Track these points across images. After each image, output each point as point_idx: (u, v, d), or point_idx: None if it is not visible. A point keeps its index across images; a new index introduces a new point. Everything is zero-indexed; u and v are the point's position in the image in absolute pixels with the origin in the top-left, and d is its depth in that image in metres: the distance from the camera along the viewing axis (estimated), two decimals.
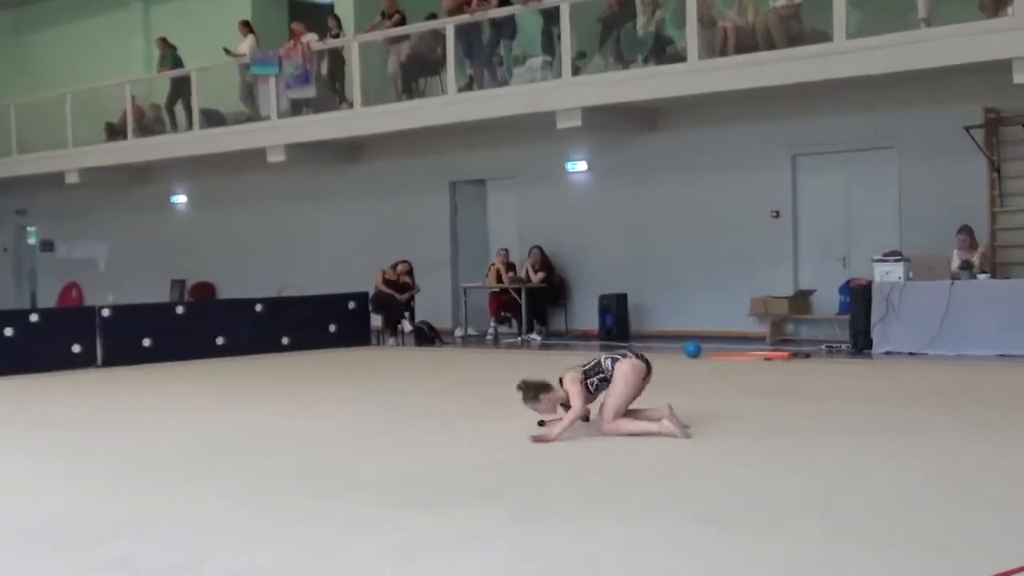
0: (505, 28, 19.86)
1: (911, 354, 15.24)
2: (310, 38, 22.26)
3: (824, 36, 16.56)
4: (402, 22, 21.48)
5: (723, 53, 17.42)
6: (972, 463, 7.85)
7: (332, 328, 19.18)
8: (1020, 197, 16.61)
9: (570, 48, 18.85)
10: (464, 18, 20.09)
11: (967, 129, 16.25)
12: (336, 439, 9.64)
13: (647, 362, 9.28)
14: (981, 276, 15.36)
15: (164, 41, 25.59)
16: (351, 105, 21.73)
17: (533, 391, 9.21)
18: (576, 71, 18.91)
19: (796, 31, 16.96)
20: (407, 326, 19.99)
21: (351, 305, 19.55)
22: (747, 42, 17.25)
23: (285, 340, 18.59)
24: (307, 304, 19.57)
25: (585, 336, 19.97)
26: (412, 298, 20.38)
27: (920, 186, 17.28)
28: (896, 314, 15.42)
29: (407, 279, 20.41)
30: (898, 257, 15.92)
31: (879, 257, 16.04)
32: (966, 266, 15.37)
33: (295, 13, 25.17)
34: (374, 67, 21.63)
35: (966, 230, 15.79)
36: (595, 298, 19.58)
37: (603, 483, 7.52)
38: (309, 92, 22.30)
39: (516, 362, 17.21)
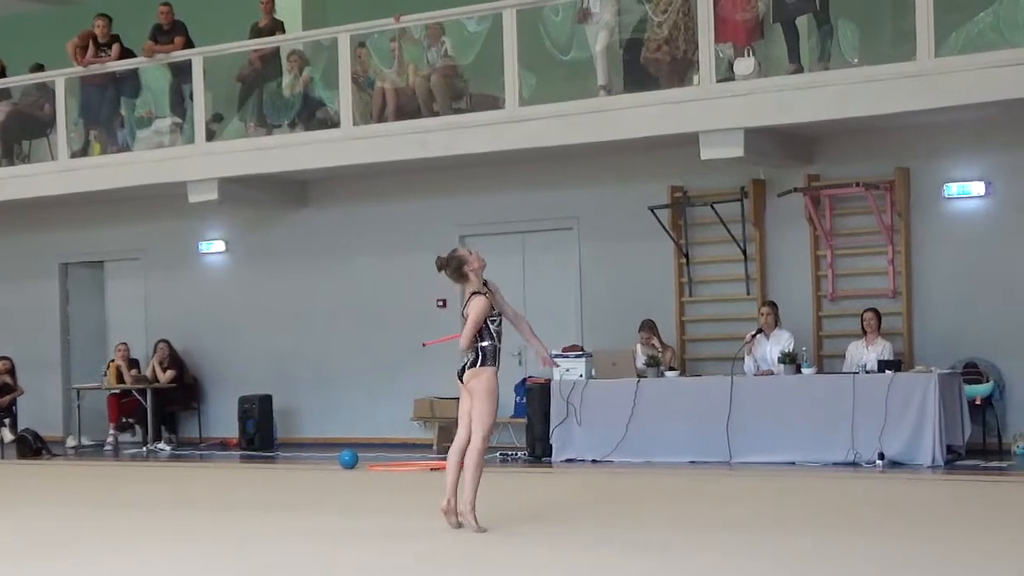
0: (127, 84, 19.45)
1: (595, 461, 15.50)
2: None
3: (495, 102, 16.85)
4: (1, 74, 20.79)
5: (382, 119, 17.50)
6: None
7: None
8: (708, 285, 17.23)
9: (204, 109, 18.60)
10: (77, 71, 19.58)
11: (652, 209, 16.79)
12: None
13: None
14: (669, 374, 15.82)
15: None
16: None
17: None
18: (211, 136, 18.67)
19: (460, 90, 17.23)
20: (7, 435, 19.45)
21: None
22: (408, 107, 17.39)
23: None
24: None
25: (224, 444, 19.59)
26: (14, 402, 19.86)
27: (603, 272, 17.71)
28: (578, 417, 15.69)
29: (7, 379, 19.89)
30: (579, 352, 16.24)
31: (558, 352, 16.29)
32: (653, 362, 15.80)
33: None
34: None
35: (648, 326, 16.26)
36: (235, 400, 19.22)
37: None
38: None
39: (140, 477, 16.72)
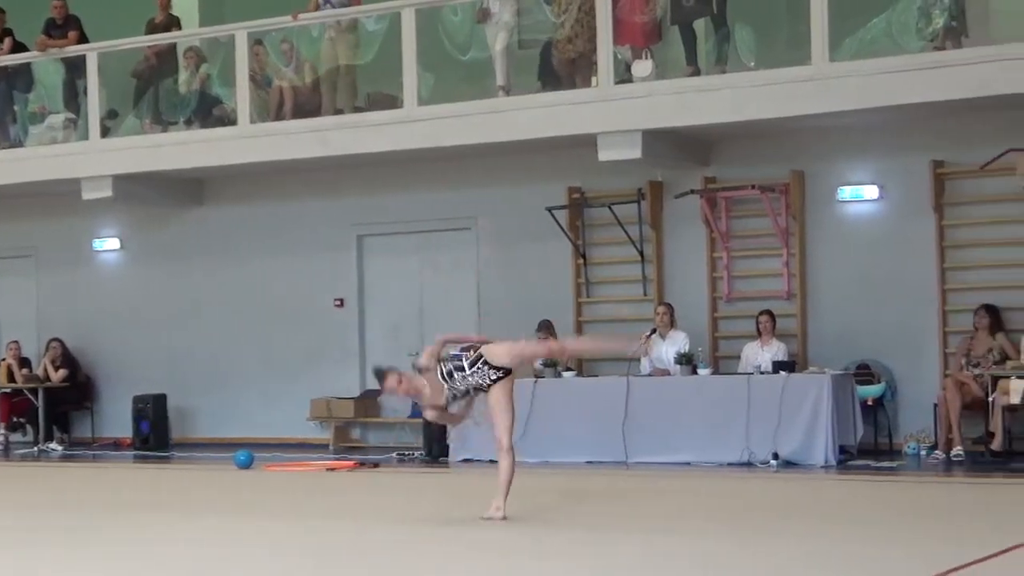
0: (19, 79, 19.17)
1: (492, 462, 15.42)
2: None
3: (393, 102, 16.79)
4: None
5: (279, 117, 17.39)
6: None
7: None
8: (606, 285, 17.27)
9: (99, 105, 18.37)
10: None
11: (549, 210, 16.80)
12: None
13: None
14: (566, 374, 15.83)
15: None
16: None
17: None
18: (106, 132, 18.45)
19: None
20: None
21: None
22: (307, 105, 17.30)
23: None
24: None
25: (117, 444, 19.37)
26: None
27: (501, 272, 17.70)
28: (475, 417, 15.61)
29: None
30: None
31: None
32: (550, 363, 15.80)
33: None
34: None
35: (545, 327, 16.24)
36: (129, 400, 19.00)
37: None
38: None
39: (31, 477, 16.47)
